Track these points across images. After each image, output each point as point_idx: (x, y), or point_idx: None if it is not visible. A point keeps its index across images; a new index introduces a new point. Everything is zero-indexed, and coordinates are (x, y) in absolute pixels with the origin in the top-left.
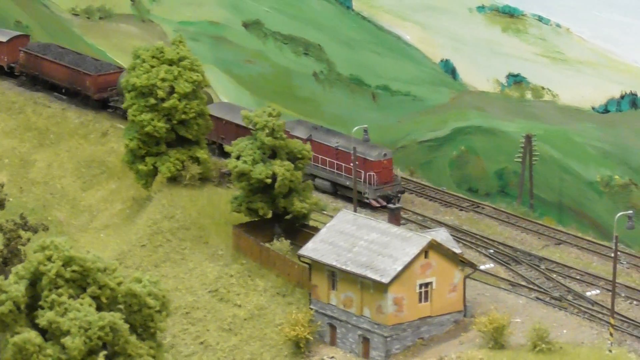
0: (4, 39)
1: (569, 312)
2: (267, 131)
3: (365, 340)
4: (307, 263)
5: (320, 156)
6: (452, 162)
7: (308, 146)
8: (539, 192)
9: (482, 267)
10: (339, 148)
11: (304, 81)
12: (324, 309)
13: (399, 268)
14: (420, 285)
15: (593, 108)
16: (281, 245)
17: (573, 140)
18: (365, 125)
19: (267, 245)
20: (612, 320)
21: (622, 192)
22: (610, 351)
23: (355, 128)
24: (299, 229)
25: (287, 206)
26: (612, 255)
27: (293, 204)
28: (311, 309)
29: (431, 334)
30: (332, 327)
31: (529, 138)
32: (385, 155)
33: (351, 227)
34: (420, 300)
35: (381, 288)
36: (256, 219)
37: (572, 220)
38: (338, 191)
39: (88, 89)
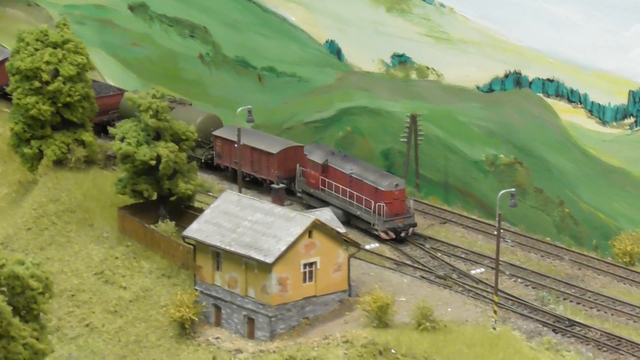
0: None
1: (454, 291)
2: (151, 113)
3: (250, 321)
4: (191, 244)
5: (334, 183)
6: (338, 143)
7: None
8: (424, 172)
9: (367, 247)
10: (353, 175)
11: (190, 63)
12: (208, 290)
13: (283, 248)
14: (305, 265)
15: (477, 87)
16: (166, 226)
17: (458, 120)
18: (250, 106)
19: (152, 227)
20: (495, 298)
21: (507, 171)
22: (494, 329)
23: (240, 109)
24: (184, 211)
25: (171, 188)
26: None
27: (178, 186)
28: (196, 290)
29: (316, 313)
30: (217, 308)
31: (414, 118)
32: (397, 185)
33: (235, 208)
34: (304, 280)
35: (265, 268)
36: (141, 201)
37: (457, 200)
38: (351, 221)
39: None
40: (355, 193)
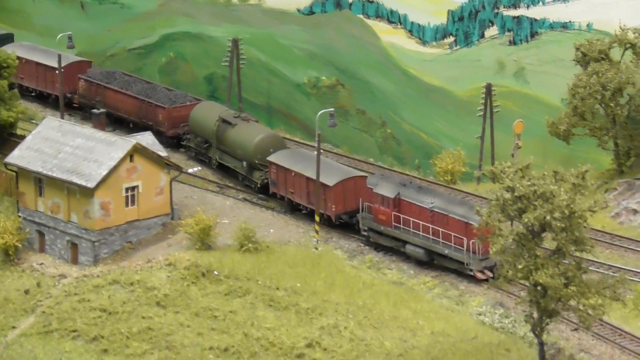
0: None
1: (276, 212)
2: None
3: (74, 246)
4: (14, 171)
5: (411, 219)
6: (162, 69)
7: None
8: (247, 96)
9: (190, 170)
10: (435, 210)
11: None
12: (32, 216)
13: (104, 172)
14: (127, 189)
15: (298, 10)
16: None
17: (279, 43)
18: (70, 32)
19: None
20: (317, 218)
21: (329, 93)
22: (316, 249)
23: (60, 35)
24: (6, 138)
25: None
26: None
27: None
28: (19, 216)
29: (139, 237)
30: (41, 234)
31: (235, 42)
32: None
33: (56, 134)
34: (127, 204)
35: (87, 193)
36: None
37: (280, 122)
38: (435, 260)
39: (161, 124)
40: (440, 230)
